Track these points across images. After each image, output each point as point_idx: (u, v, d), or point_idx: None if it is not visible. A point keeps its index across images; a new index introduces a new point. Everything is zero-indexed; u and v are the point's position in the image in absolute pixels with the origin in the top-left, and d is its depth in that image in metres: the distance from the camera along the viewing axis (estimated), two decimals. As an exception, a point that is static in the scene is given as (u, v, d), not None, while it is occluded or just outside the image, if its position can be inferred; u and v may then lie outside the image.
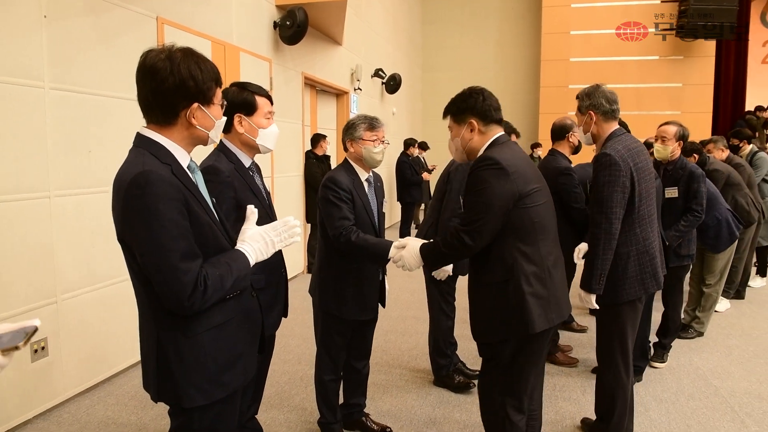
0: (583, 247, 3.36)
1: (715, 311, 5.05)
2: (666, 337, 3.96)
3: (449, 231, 2.10)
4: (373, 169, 2.75)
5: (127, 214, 1.42)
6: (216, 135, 1.63)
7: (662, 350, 3.96)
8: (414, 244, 2.24)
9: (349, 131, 2.65)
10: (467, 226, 2.03)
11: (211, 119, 1.56)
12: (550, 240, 2.12)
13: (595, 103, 2.61)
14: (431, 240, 2.23)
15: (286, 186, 6.32)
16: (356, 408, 2.97)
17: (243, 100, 2.20)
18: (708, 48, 11.45)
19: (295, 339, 4.48)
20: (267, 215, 2.26)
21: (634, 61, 11.79)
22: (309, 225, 6.88)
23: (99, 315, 3.52)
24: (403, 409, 3.27)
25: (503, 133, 2.19)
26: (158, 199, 1.39)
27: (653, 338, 3.96)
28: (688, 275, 4.41)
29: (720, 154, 5.50)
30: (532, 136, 12.60)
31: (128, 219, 1.42)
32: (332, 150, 7.65)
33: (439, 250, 2.13)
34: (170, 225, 1.40)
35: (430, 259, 2.19)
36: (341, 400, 2.95)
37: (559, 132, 3.75)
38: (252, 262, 1.62)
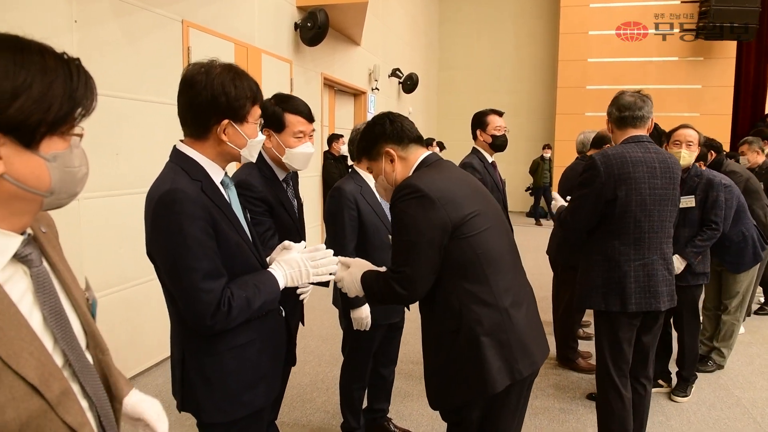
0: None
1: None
2: (684, 368, 3.56)
3: (382, 274, 1.80)
4: None
5: (154, 232, 1.44)
6: (251, 153, 1.59)
7: (684, 383, 3.57)
8: (360, 267, 1.89)
9: None
10: (396, 273, 1.71)
11: (243, 137, 1.53)
12: (504, 273, 1.75)
13: (609, 110, 2.62)
14: (378, 271, 1.86)
15: (304, 186, 6.34)
16: (380, 413, 3.00)
17: (271, 114, 2.10)
18: (728, 49, 11.32)
19: (315, 340, 4.51)
20: (295, 229, 2.25)
21: (654, 62, 11.69)
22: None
23: (125, 315, 3.58)
24: (424, 414, 3.28)
25: (430, 152, 1.88)
26: (183, 219, 1.39)
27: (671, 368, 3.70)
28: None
29: (755, 157, 5.02)
30: (548, 137, 12.56)
31: (155, 237, 1.44)
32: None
33: (373, 291, 1.81)
34: (194, 244, 1.40)
35: (369, 294, 1.85)
36: (365, 405, 2.98)
37: (599, 142, 3.89)
38: (282, 286, 1.60)
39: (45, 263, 0.92)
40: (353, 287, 1.86)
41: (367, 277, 1.84)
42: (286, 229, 2.18)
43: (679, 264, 3.23)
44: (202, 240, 1.41)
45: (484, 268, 1.70)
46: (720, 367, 4.01)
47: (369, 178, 2.68)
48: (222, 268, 1.47)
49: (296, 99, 2.17)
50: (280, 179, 2.22)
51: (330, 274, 1.72)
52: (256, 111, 1.56)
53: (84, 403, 0.93)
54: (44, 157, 0.82)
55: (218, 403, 1.55)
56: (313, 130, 2.21)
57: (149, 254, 1.51)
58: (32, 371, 0.80)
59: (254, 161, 1.66)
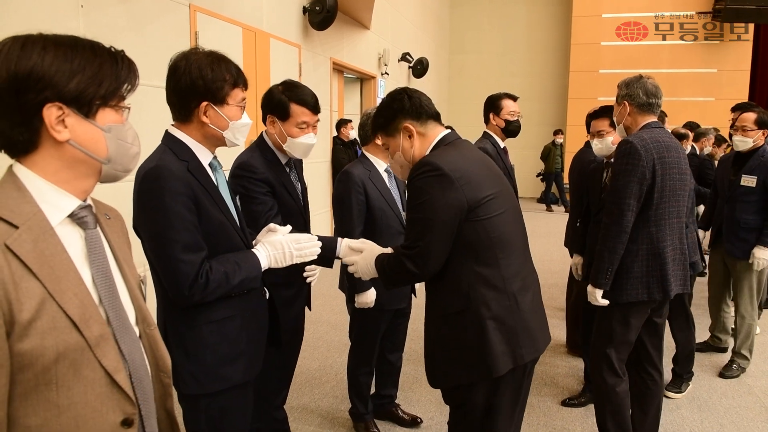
0: (578, 261, 3.30)
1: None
2: (677, 363, 3.46)
3: (393, 253, 1.81)
4: None
5: (138, 206, 1.53)
6: (235, 136, 1.64)
7: (678, 379, 3.45)
8: (372, 251, 1.90)
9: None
10: (409, 249, 1.71)
11: (225, 119, 1.59)
12: (515, 257, 1.75)
13: (632, 93, 2.47)
14: (390, 252, 1.87)
15: (313, 172, 6.34)
16: (387, 399, 3.01)
17: (277, 102, 2.11)
18: (745, 32, 11.10)
19: (324, 326, 4.52)
20: (299, 212, 2.25)
21: (668, 45, 11.49)
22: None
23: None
24: (433, 400, 3.28)
25: (449, 131, 1.86)
26: (165, 193, 1.47)
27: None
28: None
29: None
30: (560, 122, 12.43)
31: (139, 210, 1.53)
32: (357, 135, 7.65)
33: (385, 271, 1.82)
34: (174, 218, 1.48)
35: (382, 275, 1.85)
36: (372, 390, 2.98)
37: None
38: (264, 266, 1.66)
39: (101, 233, 1.05)
40: (367, 270, 1.87)
41: (380, 259, 1.85)
42: (290, 211, 2.19)
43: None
44: (182, 214, 1.49)
45: (496, 252, 1.70)
46: (743, 370, 3.73)
47: (378, 163, 2.67)
48: (202, 242, 1.54)
49: (304, 88, 2.15)
50: (282, 163, 2.22)
51: (340, 259, 1.76)
52: (238, 94, 1.61)
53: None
54: (101, 128, 0.99)
55: (195, 375, 1.60)
56: (318, 120, 2.19)
57: (135, 228, 1.58)
58: (74, 309, 0.91)
59: (240, 144, 1.70)
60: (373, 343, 2.77)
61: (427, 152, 1.81)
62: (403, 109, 1.81)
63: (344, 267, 2.71)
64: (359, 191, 2.55)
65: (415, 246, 1.69)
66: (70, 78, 0.94)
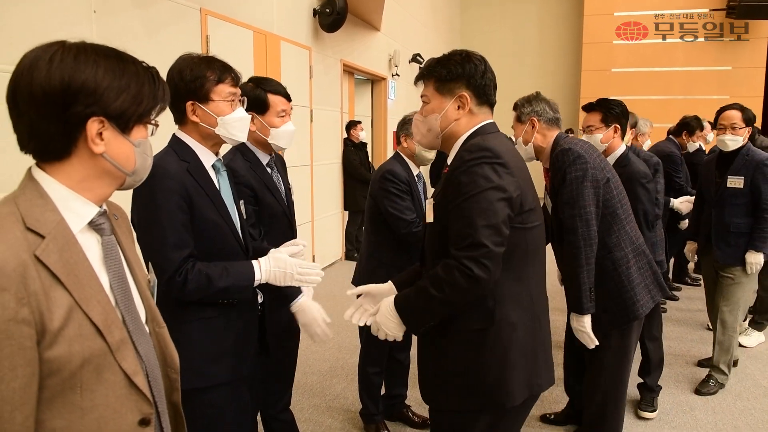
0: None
1: (745, 346, 4.09)
2: (649, 374, 3.21)
3: (441, 265, 1.45)
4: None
5: (133, 201, 1.60)
6: (230, 131, 1.67)
7: (650, 394, 3.18)
8: (383, 302, 1.59)
9: (405, 126, 2.69)
10: (472, 250, 1.38)
11: (212, 116, 1.63)
12: (540, 275, 1.60)
13: (539, 109, 2.34)
14: (408, 288, 1.57)
15: (324, 174, 6.36)
16: (398, 399, 3.01)
17: (255, 97, 2.11)
18: (761, 29, 10.96)
19: (335, 327, 4.48)
20: (283, 213, 2.23)
21: (682, 44, 11.37)
22: (347, 213, 6.93)
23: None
24: (443, 402, 3.28)
25: (493, 120, 1.65)
26: (157, 191, 1.53)
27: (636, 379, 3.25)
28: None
29: None
30: (572, 122, 12.34)
31: (134, 205, 1.61)
32: (367, 137, 7.65)
33: (428, 294, 1.44)
34: (163, 215, 1.54)
35: (409, 313, 1.52)
36: (383, 391, 2.99)
37: None
38: (258, 278, 1.66)
39: (114, 238, 1.08)
40: (393, 323, 1.55)
41: (400, 297, 1.55)
42: (274, 213, 2.17)
43: None
44: (172, 212, 1.55)
45: (528, 266, 1.53)
46: (722, 386, 3.42)
47: (413, 167, 2.76)
48: (188, 241, 1.58)
49: (273, 80, 2.20)
50: (264, 163, 2.21)
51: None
52: (223, 89, 1.64)
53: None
54: (133, 143, 1.03)
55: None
56: (291, 108, 2.23)
57: (132, 222, 1.62)
58: (98, 316, 0.95)
59: (240, 140, 1.72)
60: (384, 344, 2.75)
61: (466, 135, 1.59)
62: (472, 76, 1.57)
63: (362, 263, 2.75)
64: (405, 191, 2.61)
65: (481, 246, 1.38)
66: (118, 95, 0.97)
